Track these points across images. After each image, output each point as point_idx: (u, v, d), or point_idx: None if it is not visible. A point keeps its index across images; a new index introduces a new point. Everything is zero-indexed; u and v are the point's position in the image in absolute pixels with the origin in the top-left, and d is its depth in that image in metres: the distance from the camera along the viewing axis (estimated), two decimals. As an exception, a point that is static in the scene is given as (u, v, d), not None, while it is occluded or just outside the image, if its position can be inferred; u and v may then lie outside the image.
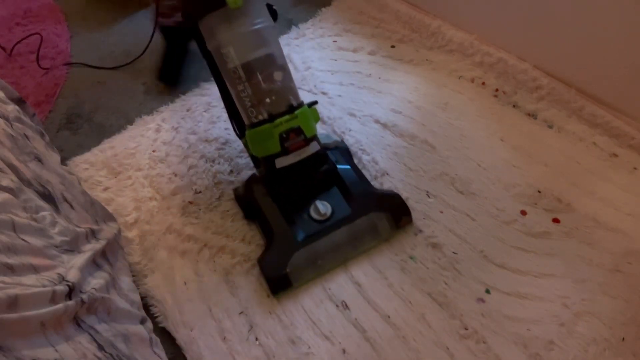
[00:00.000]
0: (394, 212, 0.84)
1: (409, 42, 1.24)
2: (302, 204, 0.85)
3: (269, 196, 0.84)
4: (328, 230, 0.81)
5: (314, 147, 0.81)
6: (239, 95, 0.78)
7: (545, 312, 0.75)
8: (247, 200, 0.88)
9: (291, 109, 0.78)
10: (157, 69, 1.20)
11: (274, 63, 0.78)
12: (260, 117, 0.78)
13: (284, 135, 0.77)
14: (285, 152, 0.78)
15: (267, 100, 0.77)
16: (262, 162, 0.81)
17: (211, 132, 1.07)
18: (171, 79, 1.20)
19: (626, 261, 0.79)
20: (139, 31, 1.35)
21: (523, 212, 0.87)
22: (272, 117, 0.77)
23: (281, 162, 0.79)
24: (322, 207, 0.83)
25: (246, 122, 0.81)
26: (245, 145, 0.86)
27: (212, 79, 0.86)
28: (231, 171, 0.99)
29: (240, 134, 0.88)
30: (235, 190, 0.93)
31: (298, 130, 0.78)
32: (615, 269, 0.79)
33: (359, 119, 1.07)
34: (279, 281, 0.79)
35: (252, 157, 0.89)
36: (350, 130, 1.04)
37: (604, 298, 0.76)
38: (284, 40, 1.28)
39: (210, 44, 0.78)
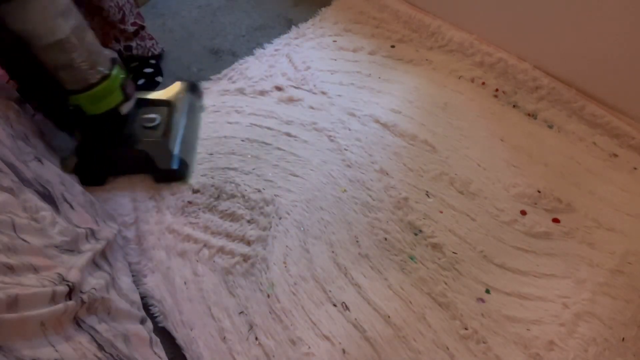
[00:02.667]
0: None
1: (409, 42, 1.24)
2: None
3: (112, 144, 0.94)
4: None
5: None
6: (73, 64, 0.79)
7: (545, 312, 0.75)
8: (98, 166, 0.96)
9: (114, 61, 0.87)
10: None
11: (85, 22, 0.82)
12: (99, 76, 0.83)
13: (124, 84, 0.88)
14: (127, 98, 0.90)
15: (100, 58, 0.83)
16: (99, 117, 0.87)
17: (214, 130, 1.07)
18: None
19: (626, 261, 0.79)
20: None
21: (523, 212, 0.87)
22: (110, 71, 0.85)
23: (126, 108, 0.91)
24: (152, 116, 0.99)
25: (79, 86, 0.83)
26: (66, 121, 0.90)
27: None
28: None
29: (65, 113, 0.88)
30: (80, 166, 0.93)
31: (129, 77, 0.90)
32: (616, 269, 0.79)
33: (359, 118, 1.07)
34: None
35: (66, 126, 0.93)
36: (350, 130, 1.04)
37: (604, 298, 0.76)
38: (283, 39, 1.28)
39: (22, 25, 0.73)
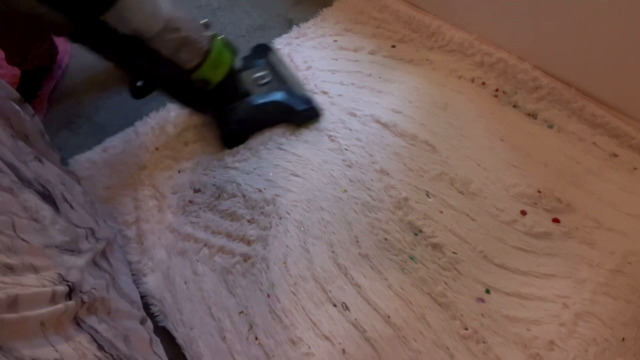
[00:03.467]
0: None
1: (409, 42, 1.24)
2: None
3: (245, 103, 1.00)
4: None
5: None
6: (184, 39, 0.81)
7: (545, 312, 0.75)
8: (240, 127, 1.02)
9: (206, 24, 0.88)
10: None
11: None
12: (207, 42, 0.86)
13: (225, 41, 0.91)
14: (235, 53, 0.94)
15: (196, 22, 0.85)
16: (222, 83, 0.91)
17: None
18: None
19: (627, 261, 0.79)
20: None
21: (523, 212, 0.87)
22: (210, 33, 0.87)
23: (238, 62, 0.97)
24: (263, 73, 1.08)
25: (198, 60, 0.85)
26: (204, 102, 0.96)
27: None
28: (237, 152, 1.02)
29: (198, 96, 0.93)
30: (227, 133, 1.01)
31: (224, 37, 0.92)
32: (616, 269, 0.79)
33: (359, 118, 1.06)
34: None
35: (202, 106, 0.99)
36: (350, 130, 1.04)
37: (604, 298, 0.76)
38: (284, 39, 1.28)
39: (129, 26, 0.75)
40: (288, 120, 1.05)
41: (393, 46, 1.23)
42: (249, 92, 1.02)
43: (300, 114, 1.03)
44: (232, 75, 0.93)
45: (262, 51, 1.16)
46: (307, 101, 1.04)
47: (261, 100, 1.00)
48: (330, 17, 1.34)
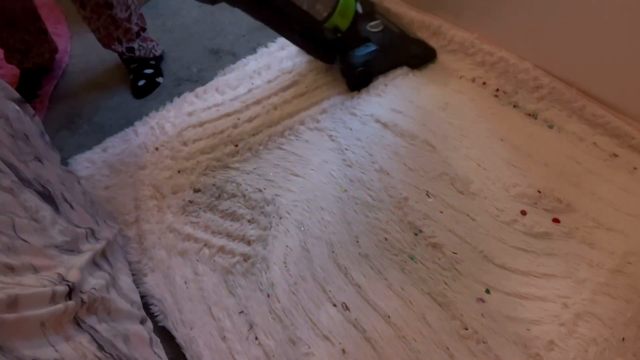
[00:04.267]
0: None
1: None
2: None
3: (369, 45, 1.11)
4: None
5: None
6: None
7: (545, 312, 0.75)
8: (366, 69, 1.09)
9: None
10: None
11: None
12: None
13: None
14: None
15: None
16: (350, 28, 1.01)
17: (215, 126, 1.07)
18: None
19: (627, 261, 0.79)
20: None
21: (523, 212, 0.87)
22: None
23: (359, 6, 1.04)
24: (376, 22, 1.17)
25: (329, 10, 0.95)
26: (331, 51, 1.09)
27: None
28: (237, 152, 1.02)
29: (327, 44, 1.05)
30: (355, 75, 1.09)
31: None
32: (616, 269, 0.79)
33: (360, 118, 1.06)
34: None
35: (331, 55, 1.10)
36: (350, 130, 1.04)
37: (604, 298, 0.76)
38: (285, 40, 1.27)
39: None
40: (407, 63, 1.13)
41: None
42: (369, 37, 1.11)
43: (418, 56, 1.12)
44: (356, 21, 1.03)
45: (367, 4, 1.24)
46: (422, 44, 1.13)
47: (383, 42, 1.10)
48: (330, 16, 1.33)
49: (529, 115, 1.03)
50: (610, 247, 0.81)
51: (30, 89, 1.21)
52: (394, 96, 1.11)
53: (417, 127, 1.03)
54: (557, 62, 1.04)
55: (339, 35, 1.01)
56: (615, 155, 0.94)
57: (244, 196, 0.94)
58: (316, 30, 0.99)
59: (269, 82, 1.17)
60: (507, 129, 1.01)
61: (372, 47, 1.09)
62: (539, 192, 0.90)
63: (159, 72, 1.24)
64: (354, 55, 1.08)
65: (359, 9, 1.04)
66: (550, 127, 1.01)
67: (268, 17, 0.96)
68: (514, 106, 1.05)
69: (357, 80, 1.10)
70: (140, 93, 1.19)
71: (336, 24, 0.98)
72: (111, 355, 0.56)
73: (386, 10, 1.25)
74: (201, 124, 1.09)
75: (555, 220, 0.86)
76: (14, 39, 1.14)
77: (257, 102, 1.12)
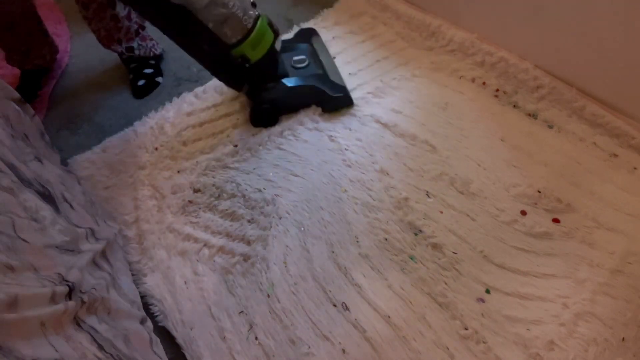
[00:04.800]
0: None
1: (411, 41, 1.23)
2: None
3: (277, 82, 1.01)
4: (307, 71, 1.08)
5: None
6: (230, 14, 0.85)
7: (545, 312, 0.75)
8: (270, 106, 1.04)
9: (253, 3, 0.91)
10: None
11: None
12: (252, 20, 0.89)
13: (269, 22, 0.95)
14: (276, 34, 0.97)
15: (245, 2, 0.88)
16: (261, 61, 0.94)
17: (214, 126, 1.08)
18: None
19: (627, 261, 0.79)
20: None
21: (523, 212, 0.87)
22: (257, 13, 0.91)
23: (279, 44, 0.98)
24: (301, 57, 1.10)
25: (239, 37, 0.89)
26: (236, 80, 0.99)
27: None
28: (236, 153, 1.02)
29: (231, 70, 0.96)
30: (254, 112, 1.04)
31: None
32: (616, 269, 0.79)
33: (359, 118, 1.06)
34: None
35: (237, 81, 1.00)
36: (350, 130, 1.04)
37: (604, 298, 0.76)
38: (283, 39, 1.27)
39: None
40: (320, 105, 1.07)
41: (394, 46, 1.23)
42: (287, 73, 1.05)
43: (333, 99, 1.05)
44: (271, 55, 0.96)
45: (306, 35, 1.20)
46: (342, 89, 1.06)
47: (296, 83, 1.03)
48: (330, 17, 1.34)
49: (529, 115, 1.03)
50: (610, 247, 0.81)
51: (30, 89, 1.21)
52: (394, 97, 1.11)
53: (417, 127, 1.03)
54: (558, 62, 1.04)
55: (247, 65, 0.94)
56: (616, 155, 0.94)
57: (244, 196, 0.94)
58: (221, 55, 0.92)
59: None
60: (507, 129, 1.01)
61: (285, 84, 1.00)
62: (539, 192, 0.90)
63: (158, 72, 1.24)
64: (263, 90, 1.01)
65: (278, 46, 0.98)
66: (550, 127, 1.01)
67: (177, 34, 0.89)
68: (514, 106, 1.05)
69: (261, 117, 1.05)
70: (140, 93, 1.19)
71: (244, 54, 0.92)
72: (111, 355, 0.56)
73: (321, 45, 1.18)
74: (201, 124, 1.09)
75: (555, 220, 0.86)
76: (14, 40, 1.14)
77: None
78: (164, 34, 0.90)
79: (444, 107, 1.07)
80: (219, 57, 0.92)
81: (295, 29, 1.31)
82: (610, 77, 0.96)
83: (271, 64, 0.99)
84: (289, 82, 1.02)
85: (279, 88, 1.01)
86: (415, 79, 1.14)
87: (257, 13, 0.91)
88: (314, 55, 1.13)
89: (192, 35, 0.87)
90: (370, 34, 1.27)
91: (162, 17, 0.85)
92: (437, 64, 1.16)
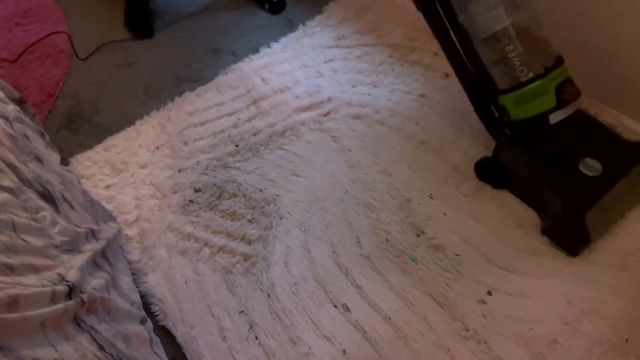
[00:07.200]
0: None
1: (417, 40, 1.22)
2: (571, 161, 0.83)
3: (533, 159, 0.83)
4: (607, 185, 0.80)
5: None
6: (505, 58, 0.75)
7: (548, 311, 0.75)
8: (502, 168, 0.87)
9: (560, 60, 0.77)
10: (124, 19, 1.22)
11: (535, 13, 0.76)
12: (532, 74, 0.75)
13: (561, 88, 0.76)
14: (561, 105, 0.76)
15: (540, 54, 0.76)
16: (523, 123, 0.79)
17: (215, 125, 1.07)
18: (143, 29, 1.24)
19: (633, 260, 0.79)
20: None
21: (527, 215, 0.87)
22: (547, 71, 0.75)
23: (557, 117, 0.77)
24: (594, 163, 0.82)
25: (507, 85, 0.78)
26: (492, 117, 0.86)
27: None
28: (237, 152, 1.01)
29: (493, 108, 0.85)
30: (483, 160, 0.90)
31: (571, 81, 0.77)
32: (622, 267, 0.78)
33: (363, 119, 1.06)
34: (581, 240, 0.79)
35: (494, 126, 0.88)
36: (353, 131, 1.04)
37: (610, 297, 0.75)
38: (287, 39, 1.27)
39: (464, 14, 0.76)
40: (542, 219, 0.84)
41: (399, 44, 1.22)
42: (564, 159, 0.83)
43: (557, 233, 0.81)
44: (542, 126, 0.78)
45: (633, 150, 0.86)
46: (580, 229, 0.79)
47: (546, 175, 0.82)
48: (335, 15, 1.32)
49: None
50: (616, 245, 0.81)
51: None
52: (399, 98, 1.10)
53: (422, 129, 1.03)
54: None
55: (505, 119, 0.81)
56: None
57: (245, 196, 0.94)
58: (485, 94, 0.83)
59: (269, 82, 1.16)
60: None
61: (529, 160, 0.83)
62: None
63: None
64: (508, 148, 0.85)
65: (553, 118, 0.77)
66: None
67: (450, 49, 0.82)
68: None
69: (482, 171, 0.90)
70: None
71: (504, 106, 0.80)
72: (111, 355, 0.56)
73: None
74: (202, 123, 1.09)
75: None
76: None
77: (257, 102, 1.12)
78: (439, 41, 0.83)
79: (450, 110, 1.06)
80: (483, 95, 0.84)
81: (295, 30, 1.30)
82: (612, 77, 0.95)
83: (539, 135, 0.81)
84: (555, 172, 0.81)
85: (521, 161, 0.84)
86: (421, 78, 1.13)
87: (549, 73, 0.75)
88: (617, 176, 0.81)
89: (466, 60, 0.81)
90: (376, 33, 1.24)
91: (445, 32, 0.80)
92: (444, 63, 1.15)
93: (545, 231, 0.83)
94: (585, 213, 0.78)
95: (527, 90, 0.76)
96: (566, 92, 0.76)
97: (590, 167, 0.82)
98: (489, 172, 0.90)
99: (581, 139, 0.85)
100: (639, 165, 0.82)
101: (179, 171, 1.00)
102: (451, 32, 0.80)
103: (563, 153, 0.83)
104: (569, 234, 0.81)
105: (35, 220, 0.58)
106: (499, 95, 0.80)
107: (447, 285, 0.79)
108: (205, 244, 0.88)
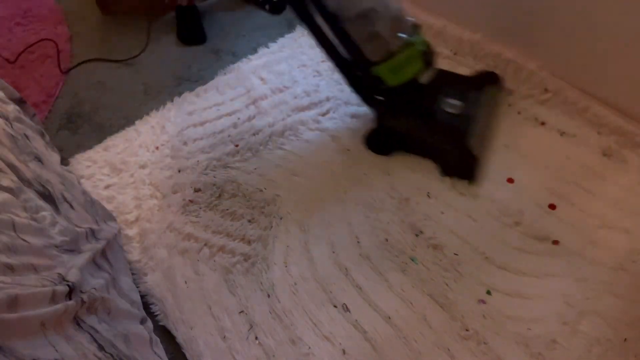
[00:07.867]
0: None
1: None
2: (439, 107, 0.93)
3: (410, 117, 0.93)
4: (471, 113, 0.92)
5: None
6: (374, 33, 0.80)
7: (547, 311, 0.75)
8: (389, 132, 0.96)
9: (416, 28, 0.84)
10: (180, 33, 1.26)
11: None
12: (400, 43, 0.82)
13: (426, 52, 0.85)
14: (427, 66, 0.87)
15: (402, 24, 0.82)
16: (399, 88, 0.86)
17: (215, 125, 1.07)
18: (198, 39, 1.27)
19: (631, 260, 0.79)
20: (139, 30, 1.35)
21: (525, 213, 0.87)
22: (413, 38, 0.83)
23: (425, 77, 0.88)
24: (456, 102, 0.93)
25: (379, 57, 0.84)
26: (367, 87, 0.93)
27: None
28: (237, 152, 1.01)
29: (362, 76, 0.92)
30: (370, 131, 0.97)
31: (429, 43, 0.86)
32: (620, 267, 0.78)
33: (362, 119, 1.06)
34: (474, 164, 0.89)
35: (369, 98, 0.95)
36: (353, 131, 1.04)
37: (608, 297, 0.75)
38: (287, 39, 1.27)
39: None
40: (437, 163, 0.93)
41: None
42: (433, 113, 0.93)
43: (452, 168, 0.91)
44: (414, 87, 0.87)
45: (483, 80, 1.00)
46: (471, 157, 0.88)
47: (432, 126, 0.91)
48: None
49: (531, 116, 1.03)
50: (614, 246, 0.81)
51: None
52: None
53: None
54: (561, 63, 1.03)
55: (382, 87, 0.87)
56: (618, 155, 0.94)
57: (245, 196, 0.94)
58: (360, 67, 0.88)
59: (268, 82, 1.16)
60: (509, 129, 1.00)
61: (413, 118, 0.91)
62: (541, 192, 0.89)
63: None
64: (391, 116, 0.93)
65: (424, 78, 0.88)
66: (553, 127, 1.00)
67: (320, 37, 0.88)
68: (518, 107, 1.05)
69: (374, 142, 0.97)
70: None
71: (381, 75, 0.85)
72: (111, 355, 0.56)
73: (492, 101, 0.99)
74: (202, 123, 1.09)
75: (558, 220, 0.86)
76: None
77: (256, 102, 1.12)
78: (313, 38, 0.88)
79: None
80: (357, 70, 0.89)
81: (295, 30, 1.30)
82: (613, 77, 0.95)
83: (410, 96, 0.89)
84: (415, 118, 0.91)
85: (406, 121, 0.92)
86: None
87: (411, 39, 0.83)
88: (474, 105, 0.93)
89: (337, 40, 0.85)
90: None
91: (313, 19, 0.85)
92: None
93: (444, 172, 0.92)
94: (468, 141, 0.88)
95: (399, 59, 0.83)
96: (429, 54, 0.88)
97: (455, 106, 0.93)
98: (379, 140, 0.97)
99: (441, 87, 0.96)
100: (482, 90, 0.96)
101: (179, 171, 1.00)
102: (318, 18, 0.85)
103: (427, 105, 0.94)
104: (463, 163, 0.90)
105: (35, 220, 0.58)
106: (372, 67, 0.85)
107: (447, 285, 0.79)
108: (205, 244, 0.88)
